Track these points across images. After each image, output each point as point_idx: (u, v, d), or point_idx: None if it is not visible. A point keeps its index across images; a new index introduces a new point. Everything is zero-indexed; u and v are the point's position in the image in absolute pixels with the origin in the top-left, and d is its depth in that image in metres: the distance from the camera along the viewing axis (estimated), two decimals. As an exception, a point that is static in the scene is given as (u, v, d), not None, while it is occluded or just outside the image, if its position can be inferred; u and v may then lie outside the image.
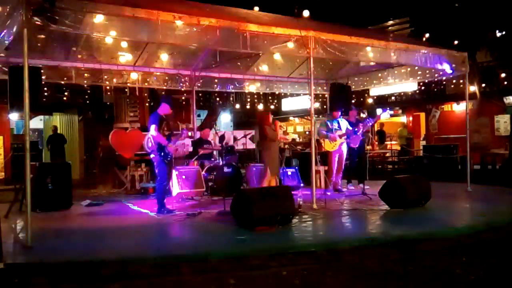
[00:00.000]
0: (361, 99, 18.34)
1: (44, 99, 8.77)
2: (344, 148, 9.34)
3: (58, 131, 15.85)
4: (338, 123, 9.33)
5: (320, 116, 18.49)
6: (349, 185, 10.00)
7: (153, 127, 7.13)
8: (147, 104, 14.58)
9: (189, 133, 11.32)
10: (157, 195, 7.37)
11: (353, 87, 12.12)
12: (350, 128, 9.33)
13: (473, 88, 15.45)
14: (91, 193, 10.42)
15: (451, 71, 9.59)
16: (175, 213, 7.23)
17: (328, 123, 9.24)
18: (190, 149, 10.26)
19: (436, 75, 10.50)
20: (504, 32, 15.81)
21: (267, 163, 8.07)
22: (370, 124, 9.66)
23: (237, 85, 11.93)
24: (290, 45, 7.39)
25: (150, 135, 7.21)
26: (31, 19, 5.14)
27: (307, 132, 22.63)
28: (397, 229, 6.03)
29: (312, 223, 6.48)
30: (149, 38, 6.74)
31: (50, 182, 7.87)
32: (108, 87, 11.67)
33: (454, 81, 15.37)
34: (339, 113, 9.43)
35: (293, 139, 20.11)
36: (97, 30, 6.04)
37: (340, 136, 9.21)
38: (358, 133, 9.32)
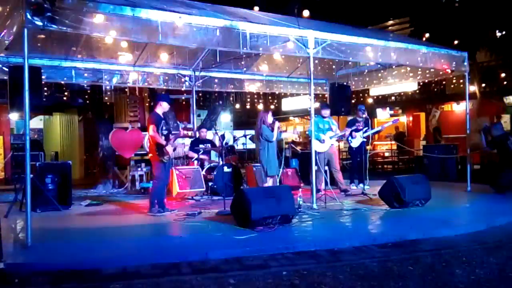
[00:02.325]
0: (361, 99, 18.37)
1: (44, 99, 8.76)
2: (335, 149, 9.22)
3: (59, 131, 15.87)
4: (329, 123, 9.14)
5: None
6: (351, 184, 9.98)
7: (151, 128, 7.08)
8: (147, 104, 14.58)
9: (189, 133, 11.33)
10: (151, 194, 7.31)
11: (353, 87, 12.13)
12: (339, 130, 9.20)
13: (473, 88, 15.45)
14: (91, 193, 10.43)
15: (451, 71, 9.58)
16: (164, 214, 7.16)
17: (320, 124, 9.03)
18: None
19: (436, 75, 10.49)
20: (504, 32, 15.81)
21: (264, 164, 8.03)
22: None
23: (237, 85, 11.94)
24: (290, 45, 7.39)
25: (149, 135, 7.18)
26: (31, 19, 5.14)
27: (307, 132, 22.63)
28: (397, 229, 6.03)
29: (312, 223, 6.48)
30: (149, 38, 6.74)
31: (50, 182, 7.88)
32: (108, 87, 11.68)
33: (454, 81, 15.39)
34: (328, 112, 9.24)
35: (293, 141, 20.11)
36: (97, 30, 6.04)
37: (331, 137, 9.00)
38: (365, 134, 9.28)
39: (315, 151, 7.76)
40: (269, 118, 8.14)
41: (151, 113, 7.49)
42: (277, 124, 8.15)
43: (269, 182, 8.10)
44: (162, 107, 7.35)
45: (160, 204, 7.31)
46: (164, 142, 7.13)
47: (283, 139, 8.69)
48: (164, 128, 7.24)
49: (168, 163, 7.35)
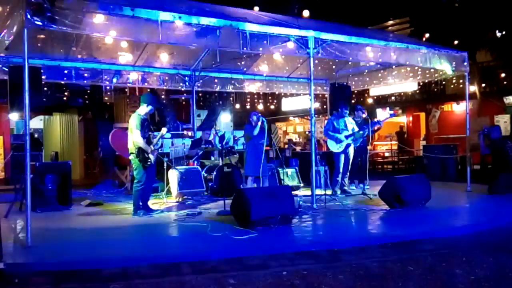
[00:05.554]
0: (361, 99, 18.40)
1: (44, 99, 8.77)
2: (351, 149, 9.02)
3: (59, 131, 15.89)
4: (345, 122, 8.97)
5: (320, 116, 18.54)
6: (351, 185, 9.96)
7: (137, 133, 6.88)
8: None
9: (189, 133, 11.33)
10: (134, 198, 7.19)
11: (353, 87, 12.14)
12: (357, 129, 9.01)
13: (473, 88, 15.46)
14: (91, 193, 10.42)
15: (451, 71, 9.59)
16: (151, 215, 7.11)
17: (334, 123, 8.91)
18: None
19: (436, 75, 10.50)
20: (504, 32, 15.83)
21: (244, 163, 8.00)
22: (377, 127, 9.59)
23: (237, 85, 11.94)
24: (290, 45, 7.39)
25: (134, 140, 6.94)
26: (31, 19, 5.14)
27: (307, 132, 22.66)
28: (397, 229, 6.03)
29: (312, 223, 6.47)
30: (149, 38, 6.74)
31: (50, 182, 7.87)
32: (108, 87, 11.69)
33: (454, 81, 15.40)
34: (346, 112, 9.08)
35: (290, 139, 20.18)
36: (97, 30, 6.04)
37: (347, 137, 8.85)
38: (365, 135, 9.18)
39: (316, 151, 7.71)
40: (253, 118, 8.16)
41: (133, 115, 7.16)
42: (261, 119, 8.05)
43: (265, 182, 8.08)
44: (147, 109, 7.18)
45: (144, 206, 7.26)
46: (149, 150, 7.00)
47: (271, 137, 8.49)
48: (146, 131, 7.07)
49: (151, 166, 7.17)
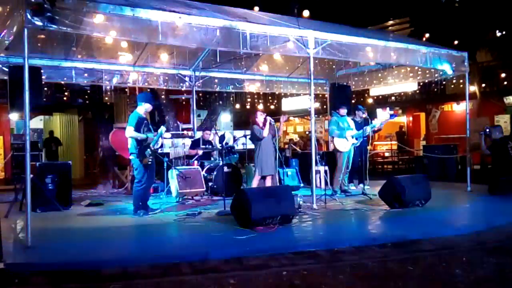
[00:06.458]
0: (361, 99, 18.38)
1: (44, 99, 8.76)
2: (353, 148, 9.10)
3: (59, 131, 15.89)
4: (348, 122, 9.03)
5: (320, 116, 18.52)
6: (350, 184, 9.96)
7: (130, 129, 6.91)
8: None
9: (189, 133, 11.32)
10: (134, 198, 7.22)
11: (353, 87, 12.12)
12: (355, 130, 9.03)
13: (473, 88, 15.45)
14: (91, 193, 10.43)
15: (451, 71, 9.59)
16: (151, 215, 7.11)
17: (340, 122, 8.93)
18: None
19: (436, 75, 10.49)
20: (504, 32, 15.81)
21: (257, 163, 8.00)
22: (379, 127, 9.60)
23: (237, 85, 11.93)
24: (290, 45, 7.39)
25: (127, 135, 6.99)
26: (31, 19, 5.14)
27: (307, 132, 22.66)
28: (397, 229, 6.03)
29: (312, 223, 6.48)
30: (149, 38, 6.74)
31: (50, 182, 7.87)
32: (108, 87, 11.68)
33: (454, 81, 15.38)
34: (346, 111, 9.13)
35: (291, 139, 20.18)
36: (97, 30, 6.04)
37: (352, 136, 8.90)
38: (366, 134, 9.16)
39: (316, 151, 7.71)
40: (259, 117, 8.07)
41: (131, 114, 7.19)
42: (269, 119, 8.02)
43: (268, 182, 8.08)
44: (144, 108, 7.21)
45: (144, 206, 7.26)
46: (145, 137, 6.94)
47: (277, 137, 8.43)
48: (145, 129, 7.07)
49: (151, 166, 7.17)
